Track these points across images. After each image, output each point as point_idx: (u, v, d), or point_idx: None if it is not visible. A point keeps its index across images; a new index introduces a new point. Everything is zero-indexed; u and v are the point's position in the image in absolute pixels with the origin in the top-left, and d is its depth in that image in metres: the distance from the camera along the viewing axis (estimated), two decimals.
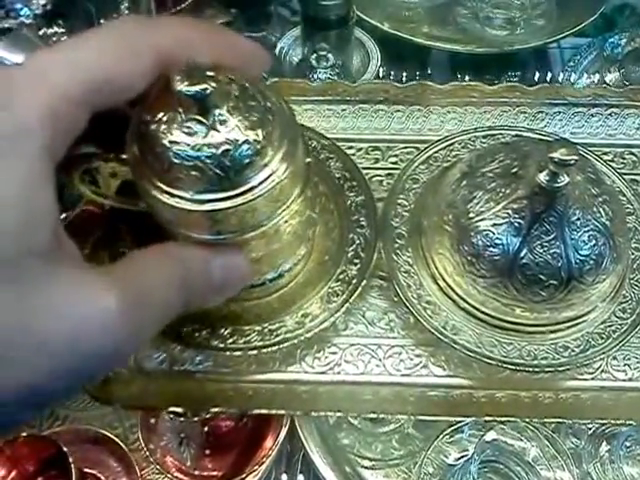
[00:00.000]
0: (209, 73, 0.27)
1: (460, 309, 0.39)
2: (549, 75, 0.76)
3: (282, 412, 0.41)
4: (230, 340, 0.38)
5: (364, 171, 0.44)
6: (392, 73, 0.71)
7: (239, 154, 0.29)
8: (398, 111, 0.46)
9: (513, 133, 0.44)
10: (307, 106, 0.46)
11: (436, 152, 0.44)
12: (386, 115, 0.46)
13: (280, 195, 0.32)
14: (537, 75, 0.75)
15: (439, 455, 0.58)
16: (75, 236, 0.26)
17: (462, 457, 0.58)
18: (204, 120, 0.28)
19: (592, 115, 0.46)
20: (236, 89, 0.29)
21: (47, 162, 0.22)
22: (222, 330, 0.38)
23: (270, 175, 0.30)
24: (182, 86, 0.26)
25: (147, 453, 0.57)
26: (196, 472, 0.57)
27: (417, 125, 0.46)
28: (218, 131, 0.28)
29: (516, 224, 0.36)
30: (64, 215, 0.39)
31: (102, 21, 0.45)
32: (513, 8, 0.75)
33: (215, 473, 0.57)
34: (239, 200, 0.30)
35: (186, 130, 0.28)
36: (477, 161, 0.39)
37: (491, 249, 0.37)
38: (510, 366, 0.37)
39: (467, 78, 0.72)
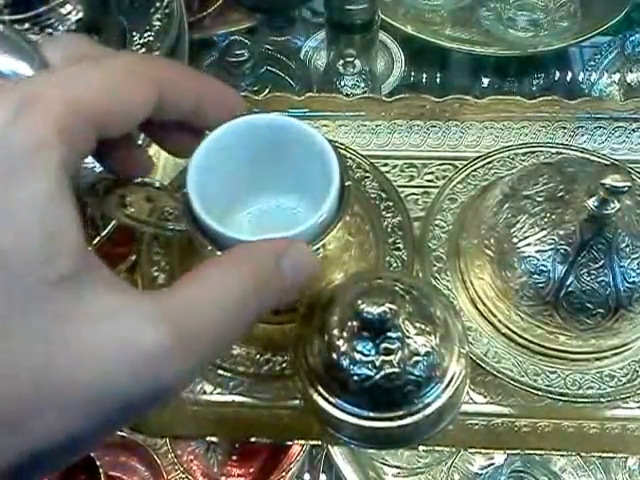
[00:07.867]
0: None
1: (501, 335, 0.38)
2: (569, 75, 0.74)
3: (318, 443, 0.40)
4: (266, 367, 0.37)
5: (399, 189, 0.42)
6: (413, 75, 0.70)
7: None
8: (434, 127, 0.45)
9: (554, 150, 0.43)
10: (341, 122, 0.45)
11: (474, 170, 0.43)
12: (422, 131, 0.45)
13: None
14: (557, 75, 0.74)
15: (465, 463, 0.57)
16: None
17: (488, 465, 0.58)
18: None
19: (634, 130, 0.45)
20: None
21: (66, 178, 0.20)
22: (257, 356, 0.38)
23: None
24: (367, 307, 0.28)
25: (174, 458, 0.56)
26: (222, 478, 0.57)
27: (454, 141, 0.45)
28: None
29: (562, 251, 0.35)
30: (97, 240, 0.38)
31: (134, 34, 0.44)
32: (537, 10, 0.72)
33: (242, 479, 0.57)
34: None
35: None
36: (519, 182, 0.38)
37: (535, 276, 0.35)
38: (554, 396, 0.36)
39: (487, 81, 0.71)
